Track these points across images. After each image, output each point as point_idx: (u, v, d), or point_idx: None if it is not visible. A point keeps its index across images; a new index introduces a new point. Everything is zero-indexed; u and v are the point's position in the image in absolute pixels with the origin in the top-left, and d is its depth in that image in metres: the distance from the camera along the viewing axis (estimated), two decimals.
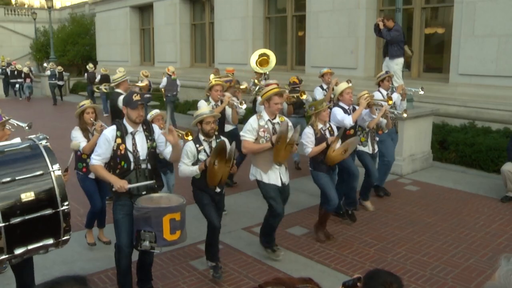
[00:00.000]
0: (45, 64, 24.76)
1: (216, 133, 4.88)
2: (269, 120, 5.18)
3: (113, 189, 4.18)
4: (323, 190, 5.72)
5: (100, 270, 5.08)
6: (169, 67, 14.00)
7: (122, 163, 4.18)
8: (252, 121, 5.19)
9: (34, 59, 35.76)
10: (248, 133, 5.15)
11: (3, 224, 3.04)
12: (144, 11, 22.25)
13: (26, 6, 45.84)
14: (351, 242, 5.80)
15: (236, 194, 7.44)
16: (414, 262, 5.25)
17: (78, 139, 5.51)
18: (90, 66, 19.19)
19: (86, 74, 19.28)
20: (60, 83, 21.01)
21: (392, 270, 4.75)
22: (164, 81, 13.48)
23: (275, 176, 5.19)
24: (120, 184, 4.08)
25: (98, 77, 16.54)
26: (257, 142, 5.13)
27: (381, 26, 9.08)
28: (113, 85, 7.84)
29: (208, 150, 4.73)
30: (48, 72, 21.14)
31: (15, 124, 5.28)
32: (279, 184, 5.20)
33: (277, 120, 5.24)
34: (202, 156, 4.70)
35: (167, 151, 4.46)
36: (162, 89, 13.47)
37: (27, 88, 22.22)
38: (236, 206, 6.76)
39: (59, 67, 21.49)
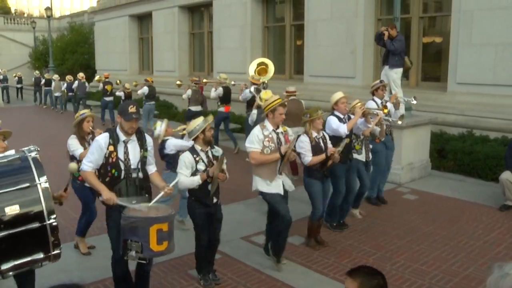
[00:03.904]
0: (0, 70, 27.52)
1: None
2: (273, 130, 5.19)
3: (101, 199, 4.15)
4: (311, 197, 5.75)
5: (98, 279, 5.04)
6: (80, 73, 19.31)
7: (113, 171, 4.15)
8: (257, 131, 5.17)
9: (33, 68, 35.83)
10: (254, 144, 5.12)
11: None
12: (143, 20, 22.32)
13: (25, 15, 45.95)
14: (350, 251, 5.79)
15: (234, 204, 7.42)
16: (413, 271, 5.23)
17: (75, 146, 5.53)
18: (36, 72, 24.50)
19: (33, 78, 24.39)
20: (19, 85, 26.32)
21: (391, 279, 4.75)
22: (76, 83, 18.84)
23: (278, 186, 5.21)
24: (108, 196, 4.04)
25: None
26: (262, 152, 5.13)
27: (386, 37, 9.05)
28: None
29: (205, 160, 4.71)
30: (0, 77, 25.58)
31: None
32: (282, 192, 5.23)
33: (280, 129, 5.26)
34: (201, 167, 4.68)
35: (150, 167, 4.43)
36: (75, 89, 18.92)
37: None
38: (234, 215, 6.73)
39: (19, 73, 26.97)
